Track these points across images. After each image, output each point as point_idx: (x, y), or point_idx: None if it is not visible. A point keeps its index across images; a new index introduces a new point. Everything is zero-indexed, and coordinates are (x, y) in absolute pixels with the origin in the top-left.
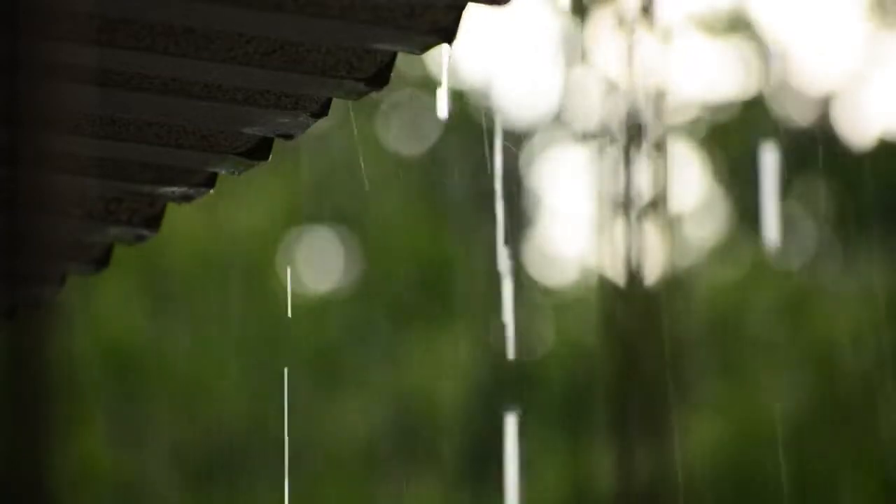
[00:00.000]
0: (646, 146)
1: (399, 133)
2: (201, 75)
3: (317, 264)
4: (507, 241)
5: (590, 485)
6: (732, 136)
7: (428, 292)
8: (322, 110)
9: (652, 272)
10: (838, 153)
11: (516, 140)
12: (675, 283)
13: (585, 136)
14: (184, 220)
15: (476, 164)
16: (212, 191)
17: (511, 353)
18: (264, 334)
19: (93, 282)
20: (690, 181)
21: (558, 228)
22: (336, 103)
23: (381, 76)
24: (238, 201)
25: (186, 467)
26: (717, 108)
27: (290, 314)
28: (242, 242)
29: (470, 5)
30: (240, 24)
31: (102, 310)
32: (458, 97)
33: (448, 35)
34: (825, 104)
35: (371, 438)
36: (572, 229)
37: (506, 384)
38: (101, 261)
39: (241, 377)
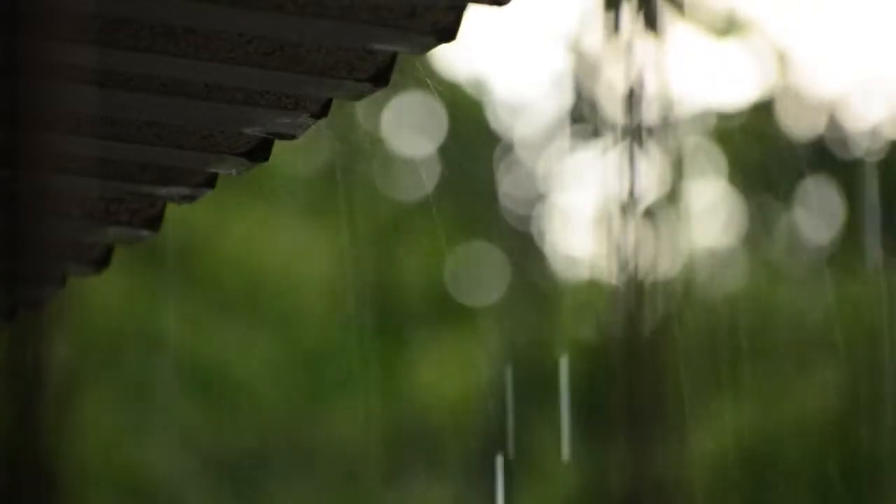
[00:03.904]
0: (653, 148)
1: (404, 134)
2: (201, 75)
3: (330, 265)
4: (515, 242)
5: (600, 486)
6: (741, 139)
7: (435, 294)
8: (322, 111)
9: (658, 274)
10: (847, 158)
11: (524, 140)
12: (682, 285)
13: (593, 137)
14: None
15: (484, 164)
16: (211, 191)
17: (521, 355)
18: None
19: (109, 286)
20: (698, 184)
21: (567, 229)
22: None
23: (381, 76)
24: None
25: (211, 466)
26: (725, 111)
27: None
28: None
29: (471, 5)
30: (240, 25)
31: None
32: (463, 96)
33: (448, 35)
34: (835, 108)
35: (380, 441)
36: (581, 230)
37: (515, 387)
38: (102, 261)
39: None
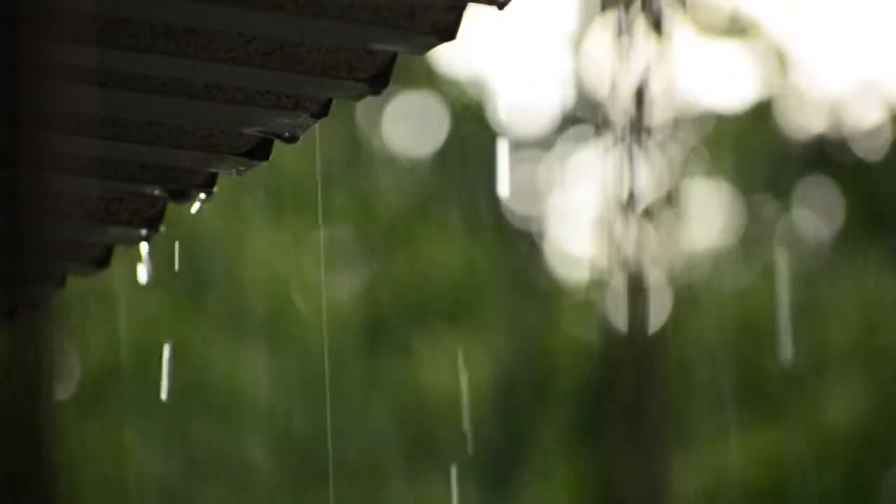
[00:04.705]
0: (653, 148)
1: (406, 134)
2: (201, 75)
3: (333, 265)
4: (516, 242)
5: (601, 486)
6: (741, 139)
7: (439, 294)
8: (322, 111)
9: (658, 273)
10: (847, 158)
11: (525, 140)
12: (681, 285)
13: (593, 137)
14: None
15: (485, 164)
16: (212, 191)
17: (521, 355)
18: (284, 337)
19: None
20: (698, 184)
21: (567, 228)
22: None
23: (381, 77)
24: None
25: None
26: (726, 112)
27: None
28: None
29: (470, 5)
30: (240, 25)
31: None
32: (464, 97)
33: (448, 35)
34: (835, 108)
35: (384, 441)
36: (581, 229)
37: (515, 386)
38: (101, 261)
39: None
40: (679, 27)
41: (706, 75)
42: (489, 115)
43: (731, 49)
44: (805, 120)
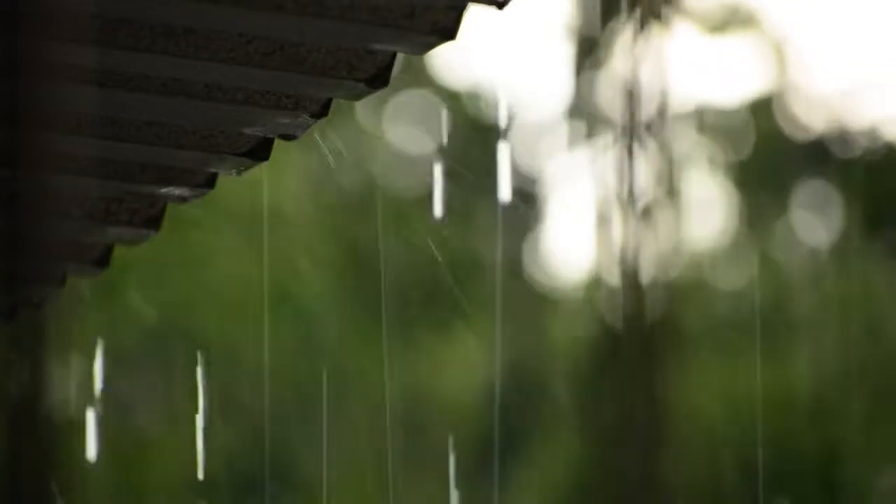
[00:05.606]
0: (651, 145)
1: (405, 131)
2: (201, 75)
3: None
4: (514, 240)
5: (599, 486)
6: (740, 136)
7: (434, 292)
8: (322, 111)
9: (657, 271)
10: (847, 156)
11: (524, 137)
12: (680, 282)
13: (593, 135)
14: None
15: (483, 161)
16: (211, 191)
17: (521, 354)
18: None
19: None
20: (697, 181)
21: (566, 226)
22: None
23: (381, 77)
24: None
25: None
26: (724, 108)
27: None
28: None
29: (471, 5)
30: (240, 25)
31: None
32: (464, 96)
33: (448, 35)
34: (835, 106)
35: (378, 440)
36: (580, 227)
37: (514, 385)
38: (101, 261)
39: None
40: (679, 22)
41: (706, 71)
42: (488, 111)
43: (730, 44)
44: (805, 117)
